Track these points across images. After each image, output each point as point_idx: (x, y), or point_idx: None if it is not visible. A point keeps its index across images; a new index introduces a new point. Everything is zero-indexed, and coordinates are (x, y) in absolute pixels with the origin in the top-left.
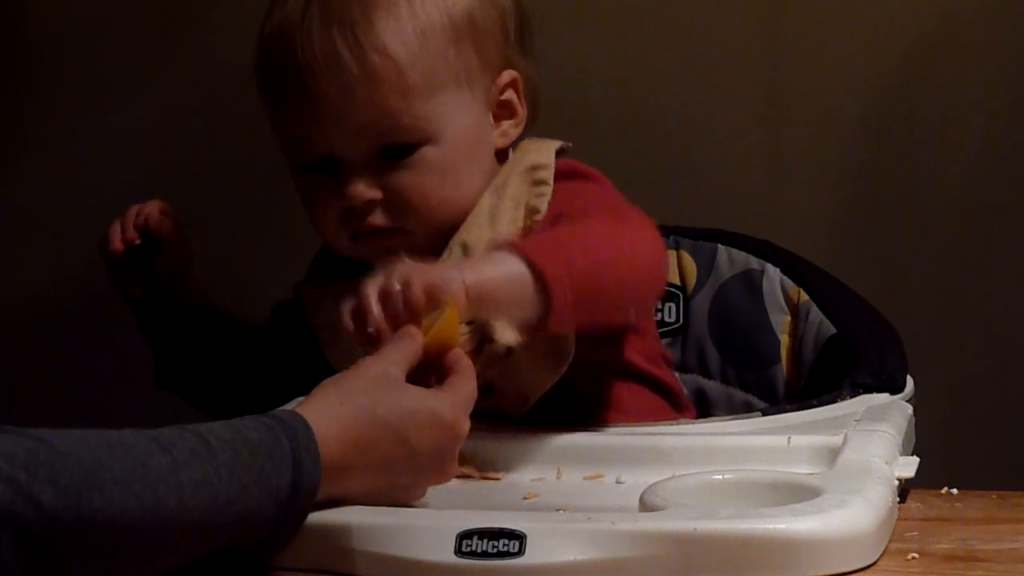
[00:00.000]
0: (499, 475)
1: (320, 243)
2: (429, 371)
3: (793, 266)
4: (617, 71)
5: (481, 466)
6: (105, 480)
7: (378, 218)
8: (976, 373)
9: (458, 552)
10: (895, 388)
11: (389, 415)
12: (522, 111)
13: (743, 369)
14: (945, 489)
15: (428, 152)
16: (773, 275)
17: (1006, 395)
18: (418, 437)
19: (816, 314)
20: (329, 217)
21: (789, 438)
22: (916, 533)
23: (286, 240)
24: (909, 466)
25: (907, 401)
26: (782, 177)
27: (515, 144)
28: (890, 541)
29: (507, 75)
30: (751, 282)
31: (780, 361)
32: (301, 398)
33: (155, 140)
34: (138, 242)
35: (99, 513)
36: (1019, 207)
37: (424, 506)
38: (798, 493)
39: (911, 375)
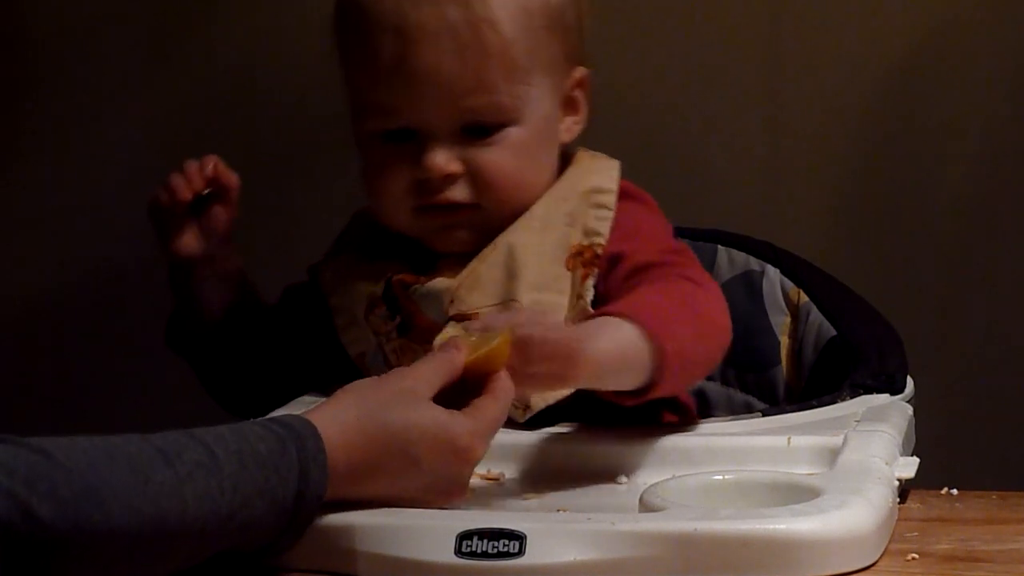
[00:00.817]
0: (499, 476)
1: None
2: (467, 391)
3: (793, 267)
4: (617, 71)
5: (481, 467)
6: (105, 496)
7: (456, 192)
8: (976, 373)
9: (458, 552)
10: (895, 389)
11: (402, 431)
12: (584, 110)
13: (743, 370)
14: (945, 489)
15: (513, 132)
16: (773, 276)
17: (1006, 395)
18: (429, 457)
19: (816, 315)
20: (397, 187)
21: (789, 439)
22: (916, 533)
23: (285, 240)
24: (909, 467)
25: (907, 402)
26: (782, 177)
27: (570, 147)
28: (890, 541)
29: (579, 72)
30: (751, 283)
31: (780, 362)
32: (309, 397)
33: (155, 140)
34: (207, 191)
35: (98, 527)
36: (1019, 207)
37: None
38: (798, 493)
39: (911, 376)
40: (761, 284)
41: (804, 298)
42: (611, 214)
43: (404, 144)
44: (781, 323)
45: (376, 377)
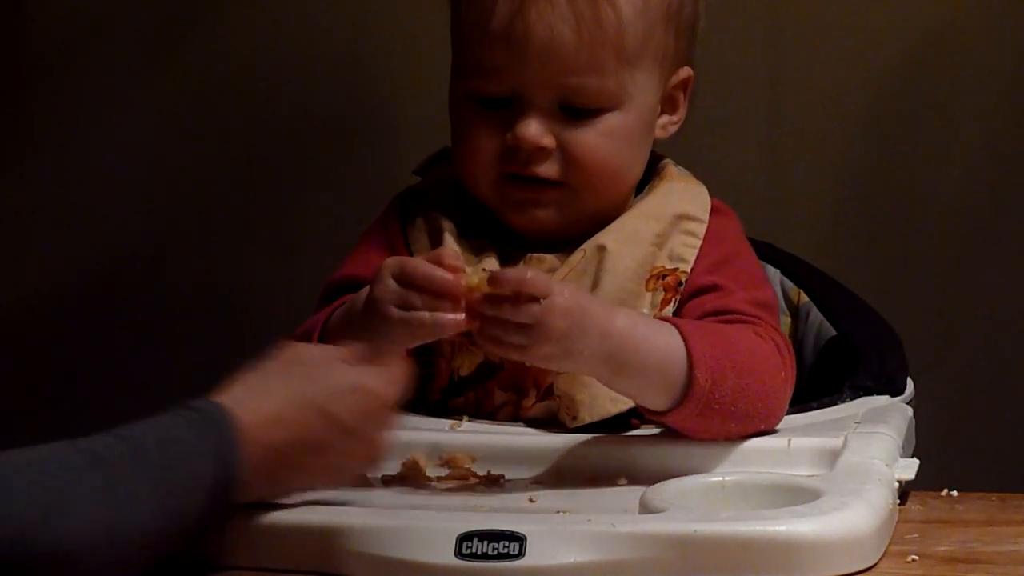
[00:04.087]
0: (499, 477)
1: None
2: None
3: (793, 268)
4: None
5: (481, 468)
6: (49, 509)
7: (544, 168)
8: (976, 374)
9: (458, 554)
10: (895, 390)
11: (316, 394)
12: (682, 112)
13: None
14: (945, 491)
15: (611, 118)
16: (773, 276)
17: (1006, 397)
18: (344, 410)
19: (816, 316)
20: (486, 152)
21: (789, 440)
22: (916, 535)
23: (286, 240)
24: (909, 468)
25: (907, 403)
26: (782, 179)
27: (658, 157)
28: (890, 543)
29: (684, 71)
30: None
31: None
32: None
33: (156, 141)
34: None
35: (44, 541)
36: (1019, 207)
37: (424, 507)
38: (798, 495)
39: (911, 377)
40: None
41: (804, 298)
42: (699, 243)
43: (499, 111)
44: (781, 323)
45: (277, 353)
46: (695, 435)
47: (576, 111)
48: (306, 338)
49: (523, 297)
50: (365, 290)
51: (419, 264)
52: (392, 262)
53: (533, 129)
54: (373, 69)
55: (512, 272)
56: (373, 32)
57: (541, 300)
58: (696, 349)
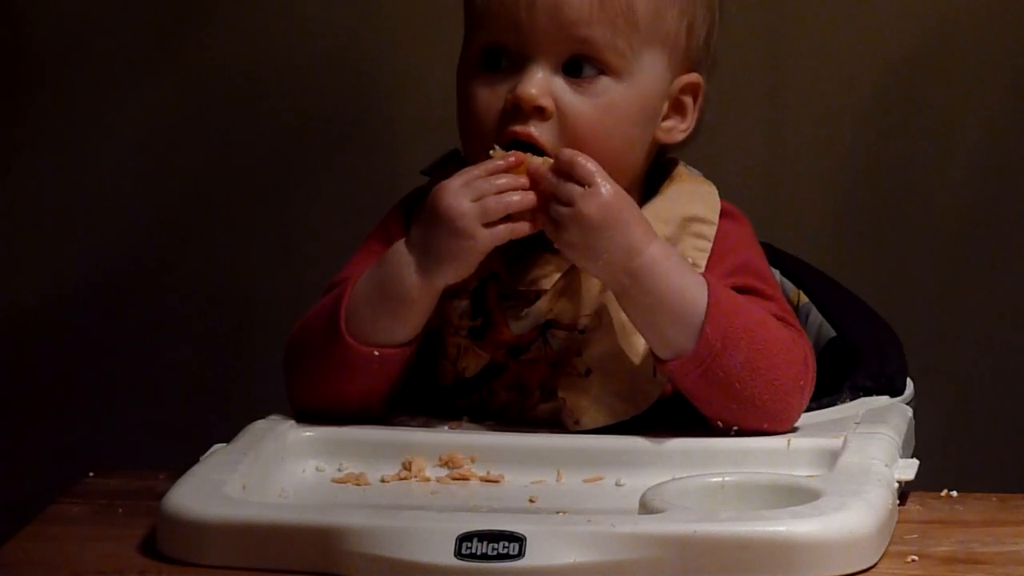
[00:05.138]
0: (499, 477)
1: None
2: None
3: (793, 268)
4: None
5: (481, 468)
6: None
7: (543, 134)
8: (976, 375)
9: (458, 554)
10: (895, 391)
11: None
12: (691, 118)
13: None
14: (945, 491)
15: (613, 86)
16: None
17: (1006, 397)
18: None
19: (816, 316)
20: (490, 114)
21: (789, 440)
22: (916, 535)
23: (285, 241)
24: (909, 468)
25: (907, 404)
26: (782, 179)
27: (667, 157)
28: (890, 543)
29: (694, 75)
30: None
31: None
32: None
33: (156, 141)
34: None
35: None
36: (1019, 207)
37: (424, 507)
38: (798, 496)
39: (911, 377)
40: None
41: (804, 299)
42: (709, 245)
43: (502, 77)
44: None
45: None
46: (697, 403)
47: (579, 73)
48: (331, 321)
49: (573, 178)
50: (388, 259)
51: (475, 166)
52: (446, 181)
53: (533, 88)
54: (373, 69)
55: (571, 152)
56: (373, 32)
57: (585, 186)
58: (715, 307)
